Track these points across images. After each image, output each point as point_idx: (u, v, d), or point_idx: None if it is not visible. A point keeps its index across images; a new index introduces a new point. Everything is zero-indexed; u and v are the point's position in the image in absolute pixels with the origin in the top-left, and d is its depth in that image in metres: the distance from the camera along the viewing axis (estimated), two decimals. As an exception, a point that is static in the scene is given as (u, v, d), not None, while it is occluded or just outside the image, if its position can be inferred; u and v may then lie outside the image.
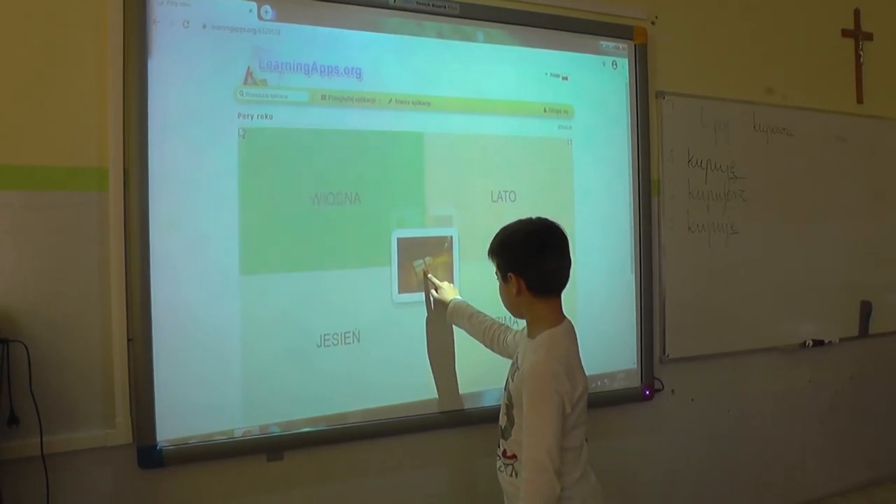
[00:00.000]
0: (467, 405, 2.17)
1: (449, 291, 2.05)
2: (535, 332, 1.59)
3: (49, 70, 1.72)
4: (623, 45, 2.46)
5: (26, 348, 1.64)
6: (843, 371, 3.05)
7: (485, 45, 2.22)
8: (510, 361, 1.71)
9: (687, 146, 2.61)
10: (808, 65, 2.96)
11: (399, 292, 2.06)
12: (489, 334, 1.91)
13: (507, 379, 1.67)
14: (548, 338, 1.56)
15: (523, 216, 1.65)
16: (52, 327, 1.71)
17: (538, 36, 2.30)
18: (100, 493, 1.78)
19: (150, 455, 1.78)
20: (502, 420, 1.67)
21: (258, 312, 1.88)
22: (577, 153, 2.35)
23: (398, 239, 2.06)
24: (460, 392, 2.16)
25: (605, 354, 2.39)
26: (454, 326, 2.07)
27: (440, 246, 2.13)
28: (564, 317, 1.61)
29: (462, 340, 2.09)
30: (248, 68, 1.88)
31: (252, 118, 1.88)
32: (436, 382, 2.12)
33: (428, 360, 2.10)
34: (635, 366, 2.48)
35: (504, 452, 1.64)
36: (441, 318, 2.07)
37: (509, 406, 1.62)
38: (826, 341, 2.93)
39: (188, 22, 1.82)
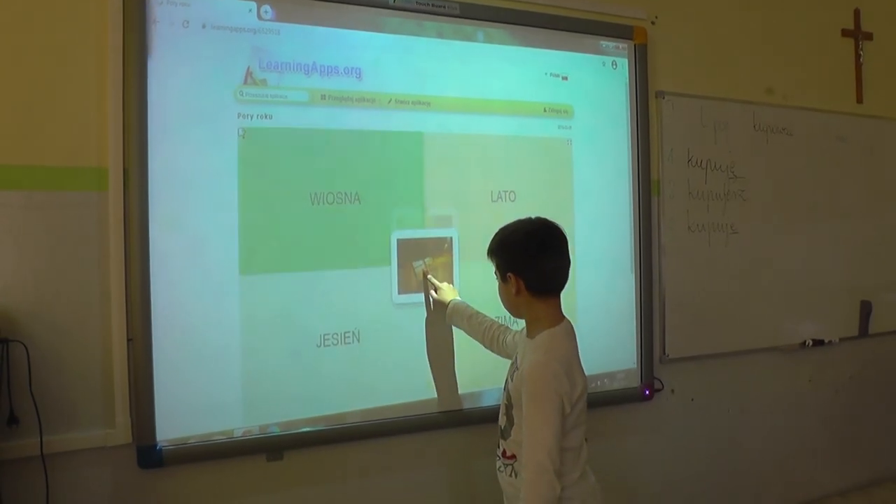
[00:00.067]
0: (466, 405, 2.17)
1: (448, 292, 2.05)
2: (535, 332, 1.59)
3: (49, 70, 1.72)
4: (623, 45, 2.46)
5: (26, 348, 1.64)
6: (843, 371, 3.05)
7: (485, 45, 2.22)
8: (509, 362, 1.71)
9: (687, 146, 2.61)
10: (807, 65, 2.96)
11: (399, 293, 2.06)
12: (488, 335, 1.91)
13: (507, 379, 1.67)
14: (547, 338, 1.56)
15: (523, 216, 1.65)
16: (52, 327, 1.71)
17: (538, 36, 2.30)
18: (99, 493, 1.77)
19: (149, 455, 1.78)
20: (502, 420, 1.67)
21: (258, 312, 1.88)
22: (576, 153, 2.35)
23: (398, 240, 2.06)
24: (460, 392, 2.16)
25: (604, 354, 2.39)
26: (453, 327, 2.07)
27: (440, 246, 2.13)
28: (564, 317, 1.61)
29: (461, 341, 2.09)
30: (248, 68, 1.88)
31: (252, 118, 1.88)
32: (435, 382, 2.12)
33: (427, 361, 2.10)
34: (635, 366, 2.48)
35: (503, 452, 1.64)
36: (440, 318, 2.07)
37: (509, 406, 1.62)
38: (826, 341, 2.93)
39: (188, 22, 1.82)
